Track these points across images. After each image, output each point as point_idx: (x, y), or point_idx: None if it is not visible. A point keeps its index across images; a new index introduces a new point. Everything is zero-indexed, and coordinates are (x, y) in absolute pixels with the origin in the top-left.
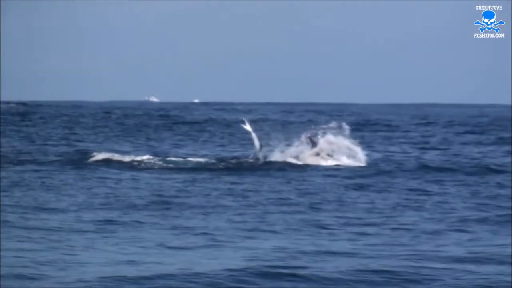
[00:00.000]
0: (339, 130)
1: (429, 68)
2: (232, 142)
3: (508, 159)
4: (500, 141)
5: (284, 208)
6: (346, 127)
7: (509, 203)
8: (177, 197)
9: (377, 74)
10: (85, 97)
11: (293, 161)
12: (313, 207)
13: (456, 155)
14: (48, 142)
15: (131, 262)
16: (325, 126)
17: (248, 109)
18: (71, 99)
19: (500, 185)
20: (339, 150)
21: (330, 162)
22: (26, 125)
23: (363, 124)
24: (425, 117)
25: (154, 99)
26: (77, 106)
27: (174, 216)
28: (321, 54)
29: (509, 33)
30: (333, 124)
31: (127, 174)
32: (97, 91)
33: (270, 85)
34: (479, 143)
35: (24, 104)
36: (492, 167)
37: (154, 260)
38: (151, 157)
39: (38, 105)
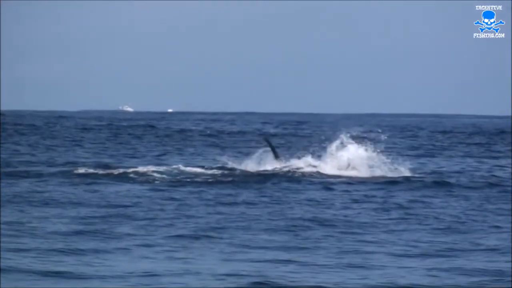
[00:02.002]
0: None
1: (430, 66)
2: (240, 151)
3: None
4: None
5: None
6: (382, 137)
7: None
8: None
9: (373, 80)
10: (57, 107)
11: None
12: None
13: None
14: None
15: None
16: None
17: (228, 118)
18: (43, 109)
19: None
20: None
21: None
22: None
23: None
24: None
25: (128, 109)
26: (50, 116)
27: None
28: (294, 63)
29: (509, 33)
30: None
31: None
32: (69, 101)
33: (242, 95)
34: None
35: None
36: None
37: None
38: (176, 166)
39: (16, 115)
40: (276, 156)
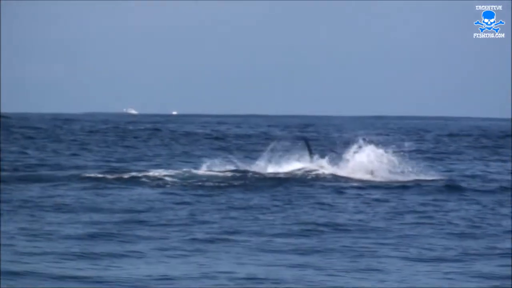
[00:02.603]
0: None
1: (430, 67)
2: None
3: None
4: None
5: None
6: (406, 144)
7: None
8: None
9: (377, 82)
10: (61, 109)
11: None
12: None
13: None
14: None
15: None
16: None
17: (234, 121)
18: (47, 111)
19: None
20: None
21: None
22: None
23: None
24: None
25: (132, 111)
26: (56, 119)
27: None
28: (298, 65)
29: (509, 33)
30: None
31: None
32: (73, 103)
33: (246, 97)
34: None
35: (6, 116)
36: None
37: None
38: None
39: (23, 118)
40: (311, 158)
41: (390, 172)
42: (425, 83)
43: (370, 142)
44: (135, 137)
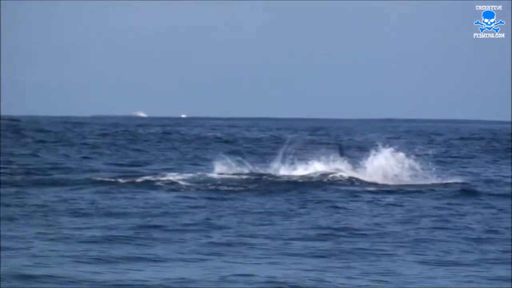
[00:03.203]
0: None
1: (429, 67)
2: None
3: None
4: None
5: None
6: (430, 152)
7: None
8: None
9: (371, 85)
10: (70, 112)
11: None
12: None
13: None
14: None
15: None
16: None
17: (244, 124)
18: (56, 114)
19: None
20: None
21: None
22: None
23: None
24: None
25: (141, 114)
26: (65, 122)
27: None
28: (309, 69)
29: (509, 33)
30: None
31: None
32: (82, 107)
33: (255, 100)
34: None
35: (16, 119)
36: None
37: None
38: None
39: (32, 121)
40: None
41: (406, 176)
42: (427, 84)
43: (387, 145)
44: (145, 140)
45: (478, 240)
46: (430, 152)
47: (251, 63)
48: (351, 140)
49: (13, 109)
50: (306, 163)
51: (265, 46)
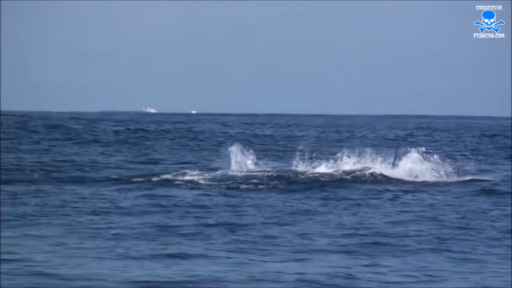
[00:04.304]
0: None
1: (429, 67)
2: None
3: None
4: None
5: None
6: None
7: None
8: None
9: (372, 80)
10: (77, 107)
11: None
12: None
13: None
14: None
15: None
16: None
17: (258, 121)
18: (66, 110)
19: None
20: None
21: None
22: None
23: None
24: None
25: (151, 110)
26: (77, 118)
27: None
28: (318, 66)
29: (509, 33)
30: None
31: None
32: (91, 102)
33: (264, 96)
34: None
35: (25, 115)
36: None
37: None
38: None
39: (43, 117)
40: (394, 165)
41: (433, 174)
42: (430, 82)
43: (413, 144)
44: (159, 138)
45: (502, 238)
46: (467, 154)
47: (261, 60)
48: (364, 136)
49: (22, 105)
50: (328, 160)
51: (276, 43)
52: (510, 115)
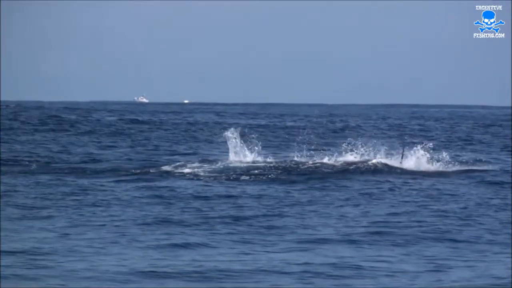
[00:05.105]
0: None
1: (429, 67)
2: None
3: None
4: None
5: None
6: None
7: None
8: None
9: (374, 74)
10: (69, 97)
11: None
12: None
13: None
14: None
15: None
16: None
17: (251, 111)
18: (55, 100)
19: None
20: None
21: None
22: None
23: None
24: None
25: (144, 100)
26: (71, 108)
27: None
28: (310, 55)
29: (509, 33)
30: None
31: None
32: (81, 92)
33: (258, 86)
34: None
35: (19, 105)
36: None
37: None
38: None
39: (39, 106)
40: (402, 157)
41: (434, 164)
42: (427, 72)
43: (414, 136)
44: (154, 129)
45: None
46: (465, 143)
47: (254, 49)
48: (358, 126)
49: (13, 95)
50: (328, 151)
51: (268, 32)
52: (503, 104)
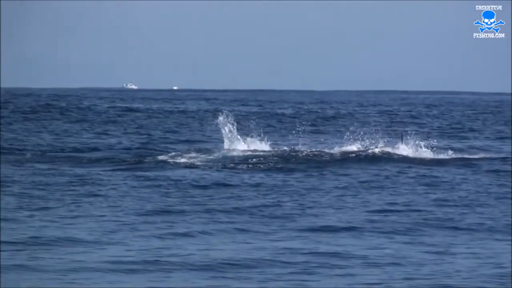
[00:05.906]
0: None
1: (429, 67)
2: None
3: None
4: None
5: None
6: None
7: None
8: None
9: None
10: (58, 84)
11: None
12: None
13: None
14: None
15: None
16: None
17: (240, 98)
18: (45, 86)
19: None
20: None
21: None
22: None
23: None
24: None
25: (133, 86)
26: (57, 95)
27: None
28: (300, 42)
29: (509, 33)
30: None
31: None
32: (70, 78)
33: (248, 72)
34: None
35: (8, 92)
36: None
37: None
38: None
39: (28, 94)
40: (402, 141)
41: (433, 152)
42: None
43: (406, 122)
44: (144, 117)
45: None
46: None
47: (244, 35)
48: (350, 113)
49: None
50: (325, 139)
51: (260, 19)
52: (492, 90)
